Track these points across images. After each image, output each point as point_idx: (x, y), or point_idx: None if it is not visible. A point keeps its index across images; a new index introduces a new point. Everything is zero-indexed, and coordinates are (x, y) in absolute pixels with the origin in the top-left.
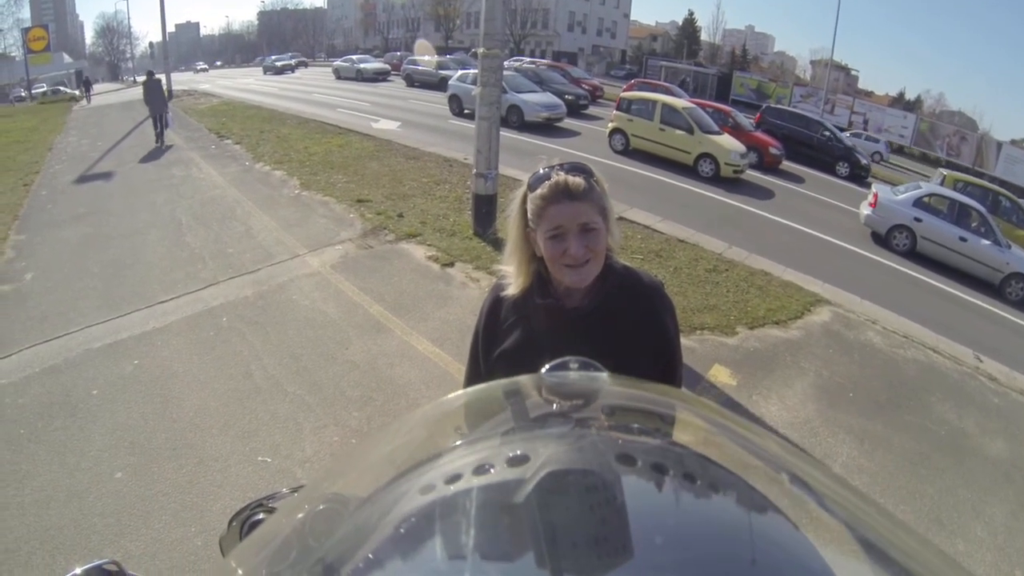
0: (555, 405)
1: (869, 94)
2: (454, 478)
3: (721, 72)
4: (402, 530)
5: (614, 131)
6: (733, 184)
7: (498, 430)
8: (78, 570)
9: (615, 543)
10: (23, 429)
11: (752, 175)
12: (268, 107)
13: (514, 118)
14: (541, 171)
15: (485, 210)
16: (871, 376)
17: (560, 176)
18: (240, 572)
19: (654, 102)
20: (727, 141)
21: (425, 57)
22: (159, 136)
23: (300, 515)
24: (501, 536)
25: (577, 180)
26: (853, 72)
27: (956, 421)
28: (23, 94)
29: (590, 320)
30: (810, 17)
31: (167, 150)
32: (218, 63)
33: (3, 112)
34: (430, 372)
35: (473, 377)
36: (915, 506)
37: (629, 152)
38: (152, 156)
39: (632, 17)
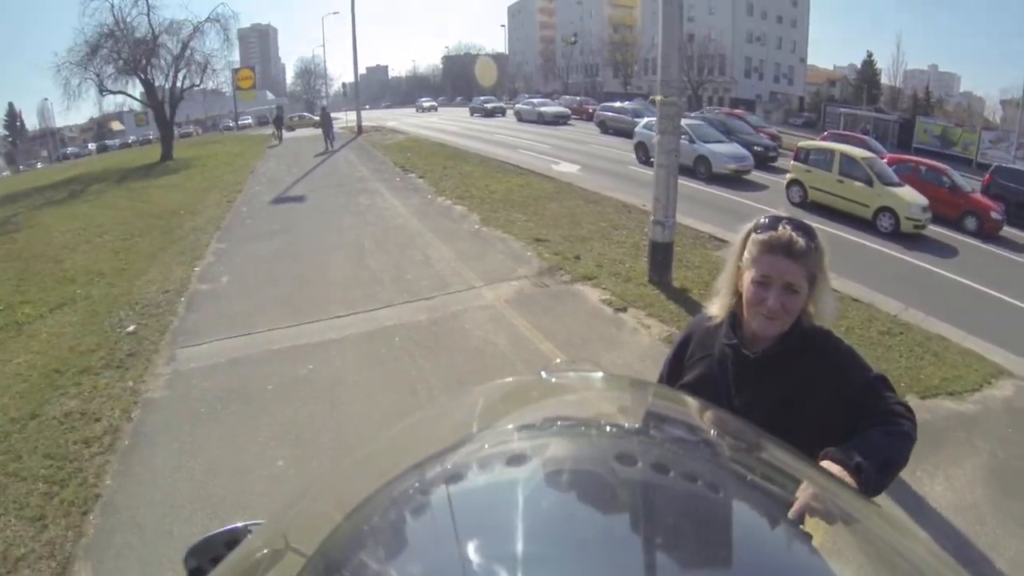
0: (555, 405)
1: None
2: (454, 478)
3: (903, 118)
4: (402, 529)
5: (792, 182)
6: (913, 241)
7: (498, 430)
8: (239, 524)
9: (615, 543)
10: (204, 408)
11: (935, 231)
12: (451, 145)
13: (702, 169)
14: (767, 219)
15: (661, 257)
16: None
17: (785, 231)
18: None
19: (832, 151)
20: (908, 194)
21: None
22: (329, 143)
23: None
24: (501, 535)
25: (798, 240)
26: None
27: None
28: (231, 124)
29: (767, 368)
30: (999, 53)
31: (358, 181)
32: (385, 104)
33: (215, 139)
34: None
35: None
36: None
37: (807, 204)
38: (341, 184)
39: (809, 62)
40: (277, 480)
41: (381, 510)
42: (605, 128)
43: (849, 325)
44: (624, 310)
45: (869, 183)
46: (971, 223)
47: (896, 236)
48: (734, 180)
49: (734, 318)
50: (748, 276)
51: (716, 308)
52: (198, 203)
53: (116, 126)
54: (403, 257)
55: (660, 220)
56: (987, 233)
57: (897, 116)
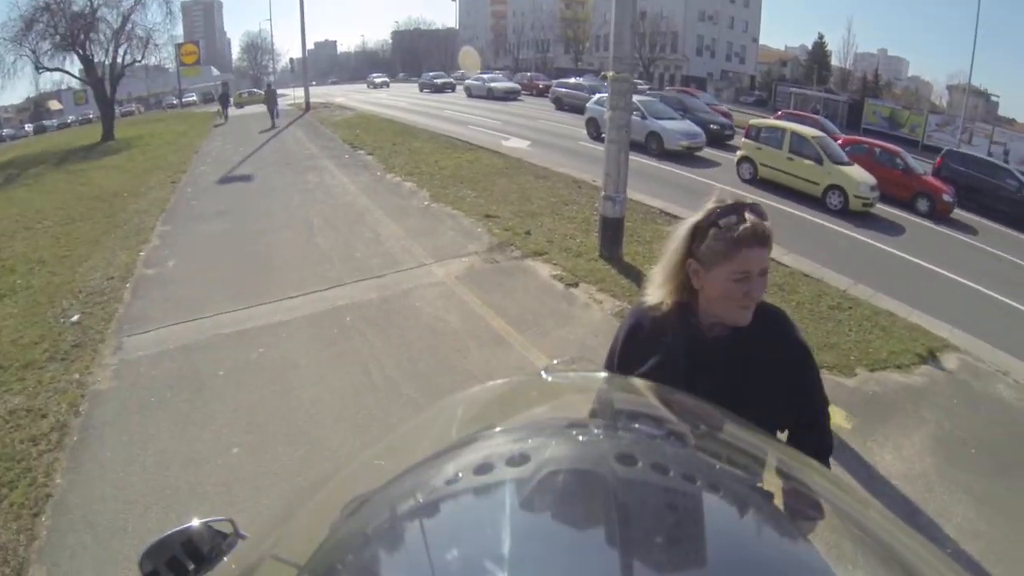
0: (555, 405)
1: (1011, 122)
2: (454, 478)
3: (852, 99)
4: (402, 531)
5: (742, 159)
6: (862, 219)
7: (498, 430)
8: (196, 522)
9: (615, 543)
10: (153, 397)
11: (884, 210)
12: (400, 121)
13: (653, 145)
14: (721, 208)
15: (612, 233)
16: (998, 433)
17: (754, 220)
18: None
19: (783, 130)
20: (857, 173)
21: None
22: (274, 119)
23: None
24: (501, 535)
25: (766, 225)
26: (993, 98)
27: None
28: (175, 102)
29: (728, 353)
30: (946, 39)
31: (306, 158)
32: (332, 79)
33: (158, 117)
34: None
35: None
36: None
37: (756, 181)
38: (289, 162)
39: (761, 41)
40: (232, 468)
41: (379, 513)
42: (560, 104)
43: (800, 300)
44: (575, 285)
45: (819, 161)
46: (923, 205)
47: (845, 214)
48: (686, 157)
49: (684, 309)
50: (720, 273)
51: (659, 299)
52: (141, 185)
53: (54, 105)
54: (353, 235)
55: (611, 195)
56: (939, 215)
57: (847, 97)
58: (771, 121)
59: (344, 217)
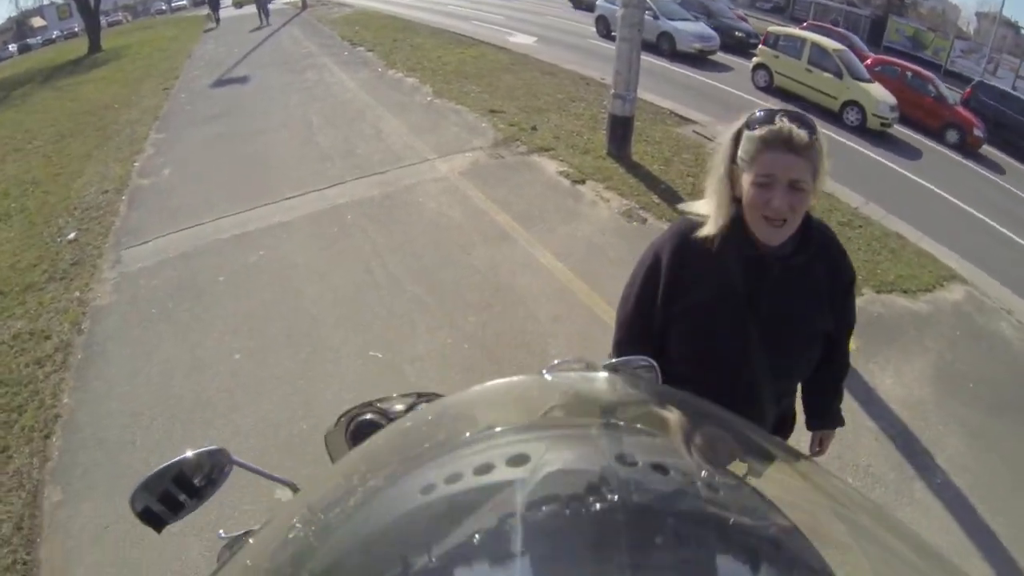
0: (556, 405)
1: None
2: (455, 477)
3: (875, 14)
4: (401, 532)
5: (758, 66)
6: (879, 138)
7: (499, 430)
8: (189, 453)
9: (615, 543)
10: (154, 309)
11: (903, 132)
12: (401, 17)
13: (665, 46)
14: (761, 112)
15: (621, 131)
16: (997, 371)
17: (783, 123)
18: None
19: (803, 40)
20: (877, 91)
21: None
22: (264, 19)
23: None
24: (501, 536)
25: (800, 133)
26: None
27: None
28: (163, 7)
29: (792, 273)
30: None
31: (304, 57)
32: None
33: (146, 24)
34: (551, 285)
35: (643, 329)
36: (1012, 520)
37: (772, 90)
38: (286, 61)
39: None
40: (235, 374)
41: (380, 512)
42: (579, 3)
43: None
44: (582, 182)
45: (839, 75)
46: (953, 136)
47: (862, 132)
48: (698, 59)
49: (739, 224)
50: (747, 178)
51: (711, 228)
52: (132, 94)
53: (38, 22)
54: (353, 132)
55: (621, 94)
56: (968, 148)
57: (870, 12)
58: (791, 30)
59: (344, 115)
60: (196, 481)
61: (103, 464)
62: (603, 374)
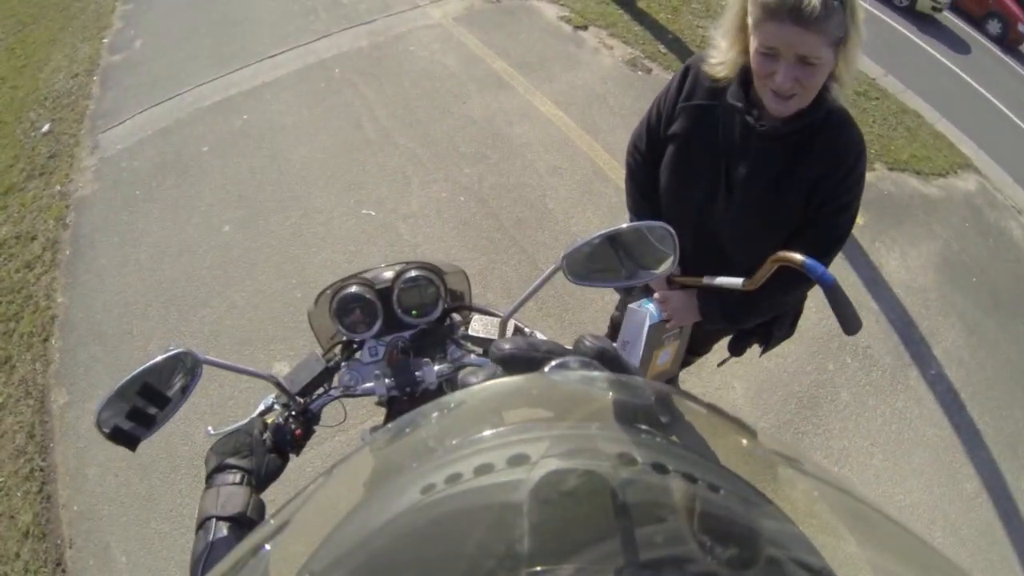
0: (556, 405)
1: None
2: (455, 478)
3: None
4: (403, 528)
5: None
6: (926, 23)
7: (499, 430)
8: (150, 362)
9: (616, 544)
10: (138, 191)
11: (957, 25)
12: None
13: None
14: None
15: None
16: (1001, 269)
17: None
18: None
19: None
20: None
21: None
22: None
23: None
24: (501, 536)
25: (813, 2)
26: None
27: None
28: None
29: (774, 146)
30: None
31: None
32: None
33: None
34: (550, 135)
35: (651, 147)
36: (998, 422)
37: None
38: None
39: None
40: (226, 247)
41: (380, 512)
42: None
43: None
44: (584, 28)
45: None
46: (995, 27)
47: (911, 14)
48: None
49: (746, 75)
50: (753, 40)
51: (719, 59)
52: None
53: None
54: None
55: None
56: (1008, 42)
57: None
58: None
59: None
60: (164, 390)
61: (102, 359)
62: (603, 374)
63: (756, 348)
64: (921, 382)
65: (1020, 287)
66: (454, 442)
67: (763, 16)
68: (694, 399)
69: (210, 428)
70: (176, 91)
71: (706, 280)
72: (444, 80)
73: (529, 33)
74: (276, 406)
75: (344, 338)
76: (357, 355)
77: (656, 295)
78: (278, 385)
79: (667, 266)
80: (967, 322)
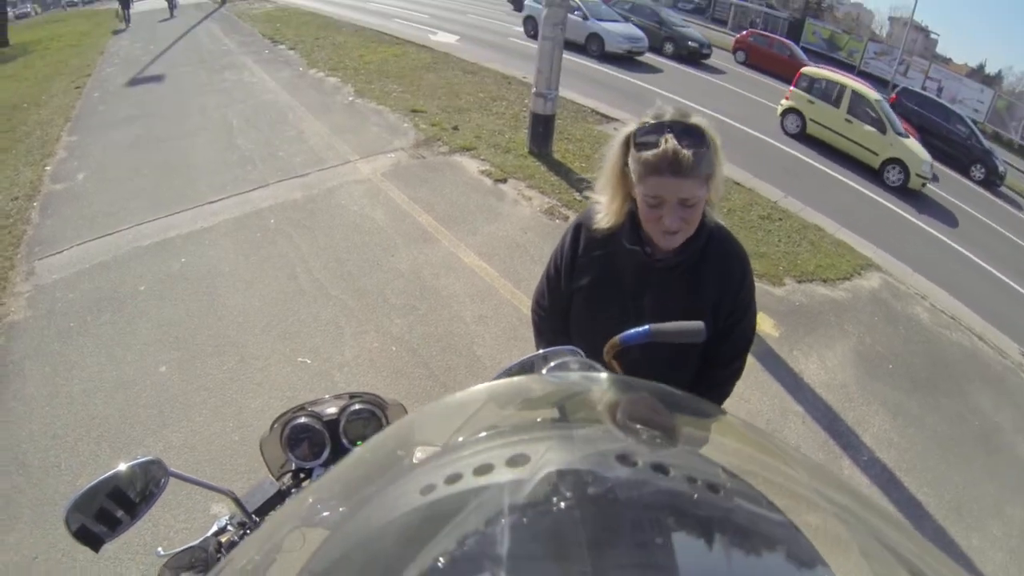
0: (556, 405)
1: (947, 61)
2: (454, 478)
3: (793, 17)
4: (402, 528)
5: (789, 111)
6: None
7: (499, 430)
8: (123, 466)
9: (616, 544)
10: (72, 322)
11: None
12: (323, 14)
13: (594, 47)
14: (650, 122)
15: (542, 129)
16: (913, 352)
17: (670, 144)
18: None
19: (842, 87)
20: (917, 146)
21: None
22: (172, 10)
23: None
24: (501, 537)
25: (686, 155)
26: (933, 35)
27: (992, 414)
28: (76, 0)
29: (672, 275)
30: None
31: (222, 55)
32: None
33: (56, 18)
34: (475, 285)
35: (554, 302)
36: (938, 491)
37: (803, 137)
38: (204, 59)
39: None
40: (161, 387)
41: (379, 512)
42: (519, 5)
43: (730, 207)
44: (504, 181)
45: (882, 129)
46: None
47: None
48: (627, 60)
49: (633, 218)
50: (639, 191)
51: (604, 212)
52: (42, 93)
53: None
54: (275, 134)
55: (542, 92)
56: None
57: (787, 14)
58: (827, 73)
59: (265, 116)
60: (132, 495)
61: (26, 490)
62: (603, 374)
63: None
64: (855, 468)
65: (934, 364)
66: (452, 443)
67: (645, 172)
68: (693, 399)
69: (160, 549)
70: (116, 227)
71: None
72: (374, 234)
73: (453, 187)
74: (230, 527)
75: (294, 466)
76: (305, 483)
77: None
78: (236, 501)
79: None
80: (890, 406)
